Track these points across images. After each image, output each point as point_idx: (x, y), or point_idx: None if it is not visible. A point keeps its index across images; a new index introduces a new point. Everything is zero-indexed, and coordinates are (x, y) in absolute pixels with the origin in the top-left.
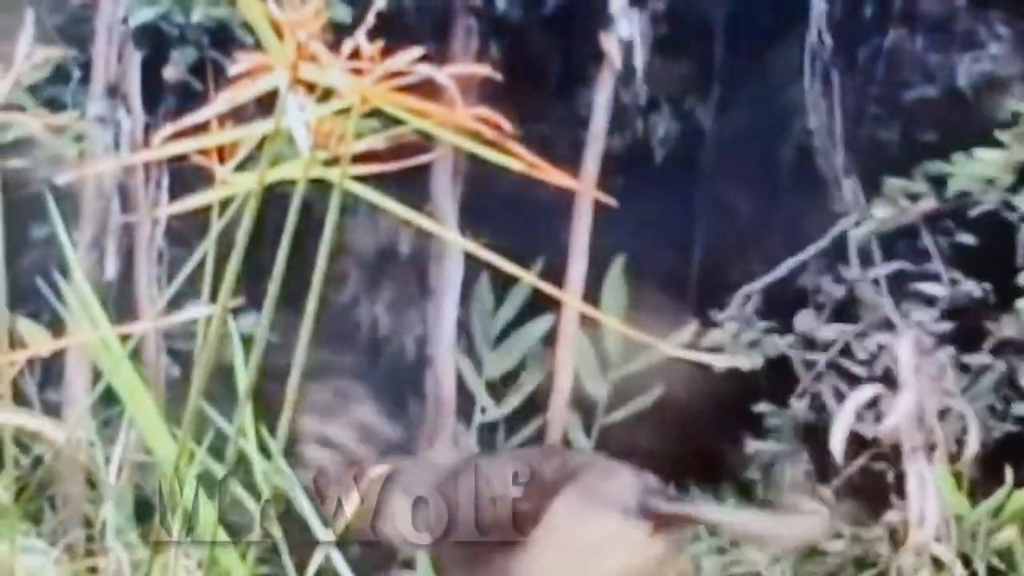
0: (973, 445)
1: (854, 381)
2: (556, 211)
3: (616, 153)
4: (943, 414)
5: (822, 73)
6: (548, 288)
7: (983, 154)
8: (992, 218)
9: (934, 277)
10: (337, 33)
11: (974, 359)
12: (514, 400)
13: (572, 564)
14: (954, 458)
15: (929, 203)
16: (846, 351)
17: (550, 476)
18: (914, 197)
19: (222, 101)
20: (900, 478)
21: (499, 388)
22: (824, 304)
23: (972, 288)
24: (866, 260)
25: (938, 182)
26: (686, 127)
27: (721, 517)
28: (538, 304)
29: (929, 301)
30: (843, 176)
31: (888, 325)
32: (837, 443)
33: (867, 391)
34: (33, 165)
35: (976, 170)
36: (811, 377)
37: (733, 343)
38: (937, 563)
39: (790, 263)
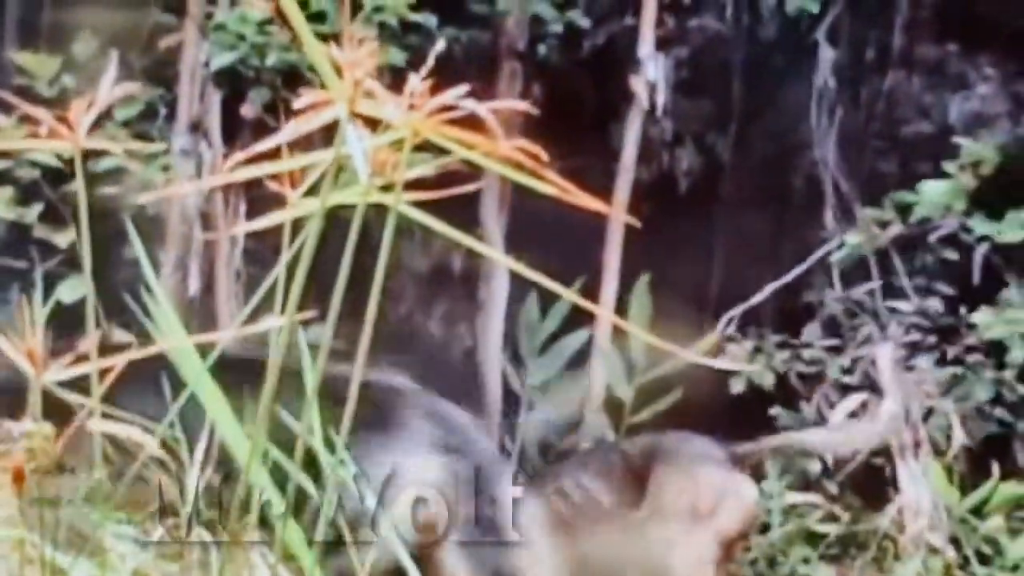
0: (958, 441)
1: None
2: (592, 235)
3: (644, 183)
4: (928, 415)
5: (828, 111)
6: (585, 303)
7: (934, 185)
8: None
9: (903, 294)
10: (393, 76)
11: (949, 369)
12: (563, 406)
13: (700, 519)
14: (943, 454)
15: (896, 229)
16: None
17: (639, 458)
18: (883, 224)
19: (289, 130)
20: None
21: (541, 393)
22: (826, 320)
23: (936, 304)
24: (850, 280)
25: (906, 210)
26: (707, 160)
27: (786, 440)
28: (576, 318)
29: (901, 315)
30: (829, 204)
31: (869, 338)
32: None
33: (854, 400)
34: (124, 192)
35: (932, 198)
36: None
37: (749, 357)
38: (931, 548)
39: (775, 285)
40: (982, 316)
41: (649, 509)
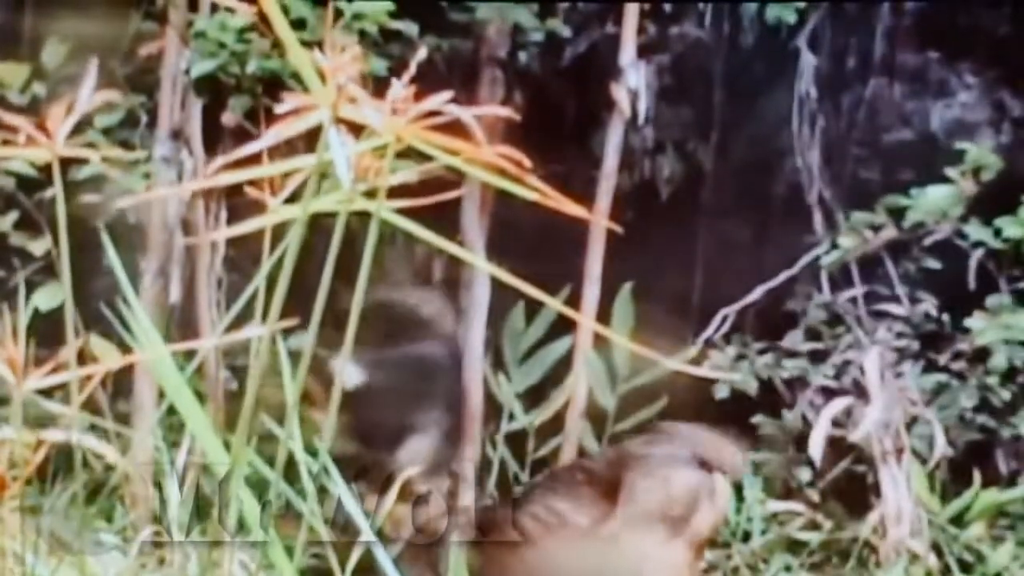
0: (939, 450)
1: (831, 394)
2: (572, 243)
3: (626, 190)
4: (912, 422)
5: (810, 118)
6: (566, 310)
7: (935, 190)
8: (947, 245)
9: (895, 299)
10: (375, 84)
11: (935, 376)
12: (544, 412)
13: (676, 525)
14: (925, 462)
15: (889, 233)
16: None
17: (606, 470)
18: (876, 228)
19: (271, 135)
20: (879, 480)
21: (524, 400)
22: (810, 325)
23: (929, 308)
24: (838, 285)
25: (898, 214)
26: (688, 167)
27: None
28: (561, 326)
29: (891, 320)
30: (816, 209)
31: (857, 343)
32: (816, 450)
33: (839, 404)
34: (104, 200)
35: (931, 203)
36: (792, 392)
37: (732, 364)
38: (913, 556)
39: (765, 287)
40: (975, 321)
41: (622, 518)
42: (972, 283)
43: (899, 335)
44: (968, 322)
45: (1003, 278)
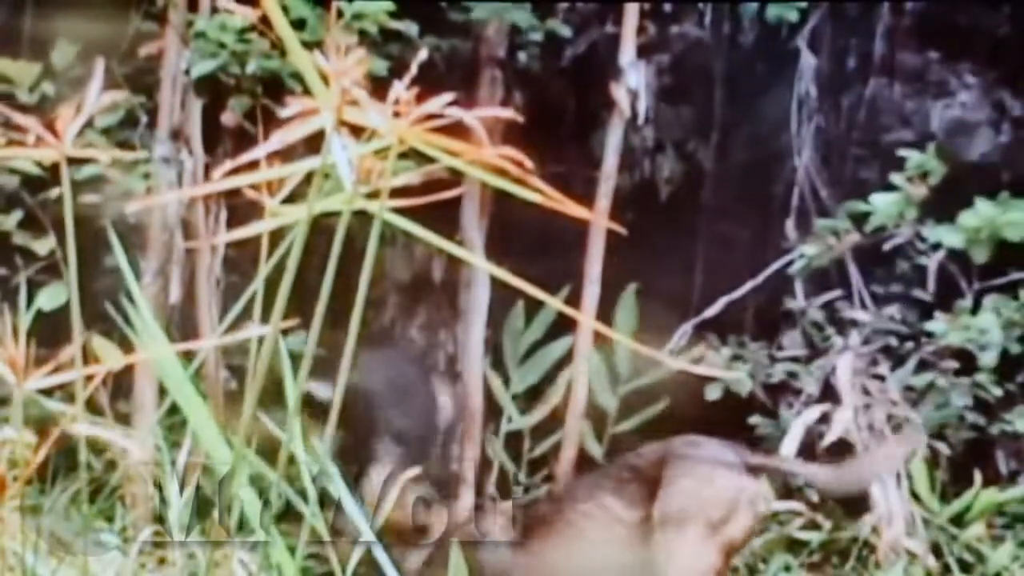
0: (920, 447)
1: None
2: (571, 243)
3: (626, 190)
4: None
5: (809, 119)
6: (567, 310)
7: (883, 196)
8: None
9: (861, 304)
10: (374, 84)
11: (925, 376)
12: (539, 412)
13: (712, 527)
14: (925, 462)
15: (853, 238)
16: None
17: (651, 468)
18: (839, 234)
19: (275, 140)
20: None
21: (524, 400)
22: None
23: (893, 312)
24: (833, 286)
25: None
26: (688, 167)
27: (799, 468)
28: (561, 326)
29: (858, 325)
30: (792, 214)
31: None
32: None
33: (815, 411)
34: (104, 200)
35: (885, 208)
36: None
37: (728, 365)
38: (912, 556)
39: (726, 298)
40: (937, 324)
41: (657, 515)
42: (932, 285)
43: (869, 338)
44: (929, 325)
45: (965, 281)
